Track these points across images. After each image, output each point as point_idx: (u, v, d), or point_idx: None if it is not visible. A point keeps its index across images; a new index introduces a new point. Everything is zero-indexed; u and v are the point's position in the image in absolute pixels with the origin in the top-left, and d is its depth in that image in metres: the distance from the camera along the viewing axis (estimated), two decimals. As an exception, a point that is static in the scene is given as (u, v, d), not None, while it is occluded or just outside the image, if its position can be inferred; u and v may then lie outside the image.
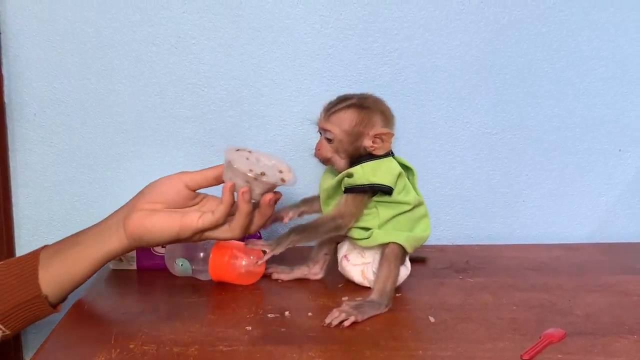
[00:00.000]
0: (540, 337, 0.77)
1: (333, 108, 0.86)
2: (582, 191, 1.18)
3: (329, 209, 0.89)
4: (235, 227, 0.81)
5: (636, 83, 1.14)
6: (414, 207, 0.88)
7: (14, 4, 1.04)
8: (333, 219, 0.86)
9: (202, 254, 0.94)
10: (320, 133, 0.88)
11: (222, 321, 0.81)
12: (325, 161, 0.89)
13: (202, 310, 0.85)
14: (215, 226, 0.81)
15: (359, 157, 0.87)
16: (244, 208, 0.80)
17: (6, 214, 1.09)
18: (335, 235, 0.88)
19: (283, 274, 0.96)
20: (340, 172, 0.87)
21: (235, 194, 0.80)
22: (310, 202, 0.94)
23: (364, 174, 0.85)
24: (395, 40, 1.09)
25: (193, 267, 0.95)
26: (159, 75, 1.08)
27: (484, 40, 1.10)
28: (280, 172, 0.83)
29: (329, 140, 0.86)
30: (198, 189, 0.84)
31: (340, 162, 0.87)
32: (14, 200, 1.11)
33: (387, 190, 0.86)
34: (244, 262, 0.92)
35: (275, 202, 0.83)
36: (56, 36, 1.06)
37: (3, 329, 0.81)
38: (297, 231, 0.85)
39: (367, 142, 0.86)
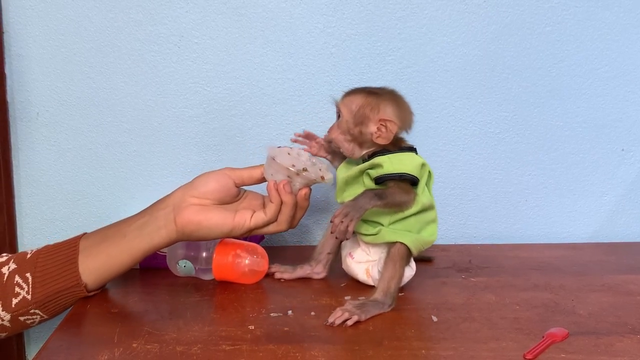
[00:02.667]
0: (543, 337, 0.77)
1: (349, 91, 0.89)
2: (585, 191, 1.17)
3: (345, 195, 0.89)
4: (282, 220, 0.85)
5: (639, 83, 1.13)
6: (425, 210, 0.88)
7: (17, 4, 1.04)
8: (405, 192, 0.85)
9: (204, 254, 0.94)
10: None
11: (225, 320, 0.81)
12: (330, 142, 0.89)
13: (205, 310, 0.85)
14: (266, 224, 0.85)
15: (365, 144, 0.87)
16: (288, 200, 0.84)
17: (9, 213, 1.09)
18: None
19: (286, 274, 0.96)
20: (348, 156, 0.89)
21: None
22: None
23: (391, 163, 0.85)
24: (397, 40, 1.09)
25: (196, 267, 0.95)
26: (161, 74, 1.08)
27: (487, 40, 1.10)
28: (320, 170, 0.88)
29: (340, 122, 0.88)
30: (242, 186, 0.88)
31: (345, 144, 0.88)
32: (16, 198, 1.11)
33: (414, 180, 0.86)
34: (247, 262, 0.93)
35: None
36: (59, 35, 1.06)
37: (41, 314, 0.82)
38: (378, 195, 0.83)
39: (372, 128, 0.86)
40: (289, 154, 0.87)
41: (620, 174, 1.17)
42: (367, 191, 0.84)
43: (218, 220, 0.84)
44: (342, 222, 0.80)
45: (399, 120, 0.86)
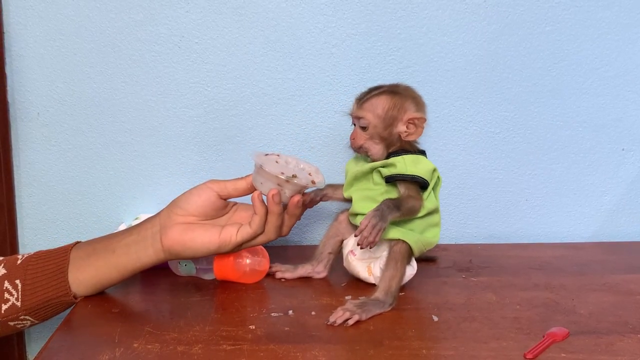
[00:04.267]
0: (543, 336, 0.77)
1: (365, 96, 0.89)
2: (586, 190, 1.17)
3: (352, 190, 0.90)
4: (269, 230, 0.83)
5: (639, 82, 1.13)
6: (429, 213, 0.89)
7: (17, 4, 1.04)
8: (415, 199, 0.86)
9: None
10: (354, 124, 0.90)
11: (226, 320, 0.81)
12: (359, 148, 0.89)
13: (206, 309, 0.85)
14: (253, 237, 0.83)
15: (392, 145, 0.88)
16: (275, 210, 0.81)
17: (10, 213, 1.09)
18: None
19: (287, 273, 0.96)
20: (373, 160, 0.89)
21: (264, 197, 0.82)
22: (333, 187, 0.94)
23: (405, 164, 0.86)
24: (398, 40, 1.09)
25: (197, 267, 0.95)
26: (162, 74, 1.08)
27: (487, 39, 1.10)
28: (309, 174, 0.86)
29: (364, 129, 0.88)
30: (229, 199, 0.86)
31: (375, 147, 0.88)
32: (17, 199, 1.11)
33: (424, 184, 0.87)
34: (248, 261, 0.93)
35: (304, 203, 0.85)
36: (59, 35, 1.06)
37: (31, 319, 0.83)
38: (396, 206, 0.83)
39: (401, 127, 0.87)
40: (277, 161, 0.85)
41: (621, 174, 1.17)
42: (387, 201, 0.83)
43: (204, 239, 0.82)
44: (370, 233, 0.80)
45: (425, 115, 0.88)
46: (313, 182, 0.84)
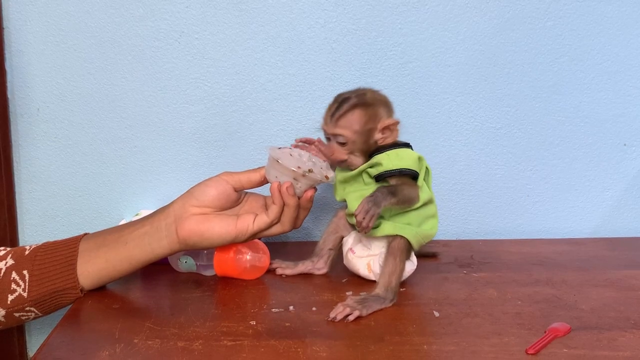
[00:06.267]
0: (545, 332, 0.77)
1: (338, 112, 0.86)
2: (587, 186, 1.17)
3: (345, 193, 0.90)
4: (285, 221, 0.85)
5: (641, 77, 1.13)
6: (425, 204, 0.88)
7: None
8: (411, 186, 0.86)
9: (206, 250, 0.93)
10: (329, 138, 0.88)
11: (227, 316, 0.81)
12: (341, 163, 0.88)
13: (206, 305, 0.85)
14: (270, 226, 0.84)
15: (370, 150, 0.88)
16: (291, 202, 0.83)
17: (10, 209, 1.09)
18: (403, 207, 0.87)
19: (287, 269, 0.96)
20: (355, 168, 0.88)
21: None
22: None
23: (390, 160, 0.86)
24: (399, 35, 1.08)
25: (197, 263, 0.95)
26: (162, 70, 1.08)
27: (489, 35, 1.09)
28: (322, 168, 0.87)
29: (342, 144, 0.87)
30: (241, 190, 0.87)
31: (357, 159, 0.88)
32: (17, 195, 1.11)
33: (414, 175, 0.87)
34: (248, 257, 0.93)
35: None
36: (59, 31, 1.06)
37: (36, 311, 0.83)
38: (391, 192, 0.83)
39: (378, 136, 0.87)
40: (290, 155, 0.86)
41: (622, 169, 1.17)
42: (382, 188, 0.84)
43: (221, 229, 0.83)
44: (364, 218, 0.80)
45: (395, 117, 0.87)
46: (326, 177, 0.85)
